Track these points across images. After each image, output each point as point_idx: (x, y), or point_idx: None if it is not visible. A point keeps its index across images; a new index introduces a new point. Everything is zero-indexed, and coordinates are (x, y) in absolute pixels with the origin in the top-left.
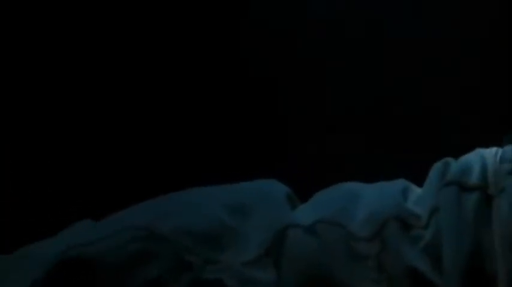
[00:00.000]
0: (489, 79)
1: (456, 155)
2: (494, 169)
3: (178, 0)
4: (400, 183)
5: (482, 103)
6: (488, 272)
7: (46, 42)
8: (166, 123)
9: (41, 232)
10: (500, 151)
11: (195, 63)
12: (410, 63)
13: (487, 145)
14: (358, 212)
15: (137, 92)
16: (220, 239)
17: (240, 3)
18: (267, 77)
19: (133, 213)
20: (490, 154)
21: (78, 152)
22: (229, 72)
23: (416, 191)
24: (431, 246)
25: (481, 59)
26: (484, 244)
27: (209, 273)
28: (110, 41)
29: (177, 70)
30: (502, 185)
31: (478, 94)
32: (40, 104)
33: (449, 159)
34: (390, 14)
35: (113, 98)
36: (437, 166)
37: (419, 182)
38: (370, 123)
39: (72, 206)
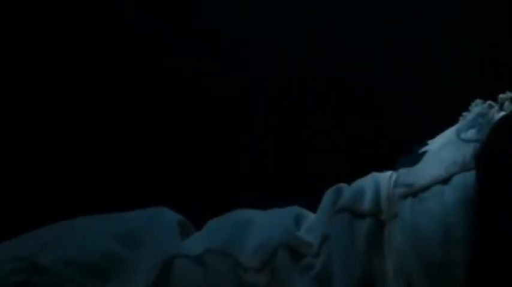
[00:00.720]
0: (489, 80)
1: None
2: (388, 193)
3: None
4: (293, 210)
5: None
6: None
7: (47, 42)
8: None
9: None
10: (394, 174)
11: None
12: (408, 66)
13: None
14: (248, 241)
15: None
16: (107, 269)
17: None
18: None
19: (18, 243)
20: (384, 177)
21: (78, 152)
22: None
23: (310, 218)
24: (322, 275)
25: (480, 60)
26: (376, 271)
27: None
28: (112, 44)
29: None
30: (395, 211)
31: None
32: (40, 104)
33: (342, 184)
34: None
35: (113, 98)
36: (329, 192)
37: None
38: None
39: (72, 207)
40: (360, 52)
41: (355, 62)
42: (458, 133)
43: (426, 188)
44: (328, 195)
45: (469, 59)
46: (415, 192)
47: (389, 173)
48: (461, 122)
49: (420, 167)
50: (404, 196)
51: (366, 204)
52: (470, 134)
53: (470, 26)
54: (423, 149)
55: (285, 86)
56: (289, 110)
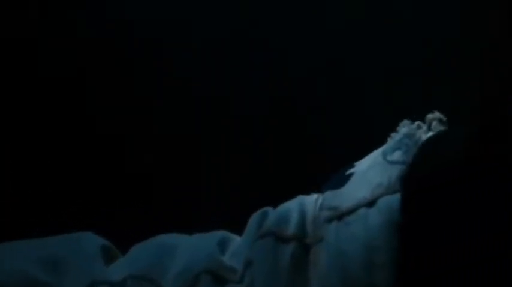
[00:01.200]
0: (489, 81)
1: None
2: (313, 217)
3: None
4: (218, 234)
5: (482, 108)
6: None
7: (47, 41)
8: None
9: (41, 232)
10: (320, 197)
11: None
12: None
13: None
14: (172, 266)
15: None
16: None
17: None
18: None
19: None
20: (310, 200)
21: (78, 153)
22: None
23: (236, 242)
24: None
25: (480, 60)
26: None
27: None
28: (109, 43)
29: None
30: (321, 235)
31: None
32: (40, 105)
33: (268, 208)
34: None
35: (112, 97)
36: (254, 216)
37: None
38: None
39: (72, 207)
40: (359, 52)
41: (354, 61)
42: (384, 155)
43: (351, 211)
44: (254, 218)
45: (469, 59)
46: (340, 215)
47: (315, 195)
48: (388, 143)
49: (346, 189)
50: (329, 220)
51: (291, 228)
52: (397, 155)
53: (470, 26)
54: (349, 171)
55: (285, 86)
56: (289, 110)
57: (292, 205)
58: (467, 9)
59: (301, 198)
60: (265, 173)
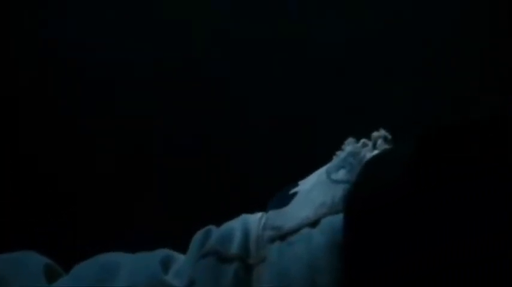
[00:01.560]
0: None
1: None
2: (257, 236)
3: None
4: (161, 253)
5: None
6: None
7: (49, 43)
8: None
9: (41, 232)
10: (264, 216)
11: None
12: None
13: None
14: (114, 286)
15: None
16: None
17: None
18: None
19: None
20: (254, 219)
21: (77, 154)
22: None
23: (180, 260)
24: None
25: (480, 60)
26: None
27: None
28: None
29: None
30: (263, 255)
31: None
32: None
33: (212, 227)
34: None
35: (113, 98)
36: (198, 234)
37: None
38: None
39: (71, 207)
40: (359, 52)
41: (355, 61)
42: (328, 173)
43: (294, 231)
44: (196, 237)
45: (469, 59)
46: (283, 235)
47: (259, 214)
48: (333, 162)
49: (289, 208)
50: (272, 239)
51: (234, 247)
52: (341, 174)
53: (470, 26)
54: (293, 190)
55: (285, 86)
56: (288, 110)
57: (235, 224)
58: (467, 9)
59: (245, 217)
60: (265, 173)
